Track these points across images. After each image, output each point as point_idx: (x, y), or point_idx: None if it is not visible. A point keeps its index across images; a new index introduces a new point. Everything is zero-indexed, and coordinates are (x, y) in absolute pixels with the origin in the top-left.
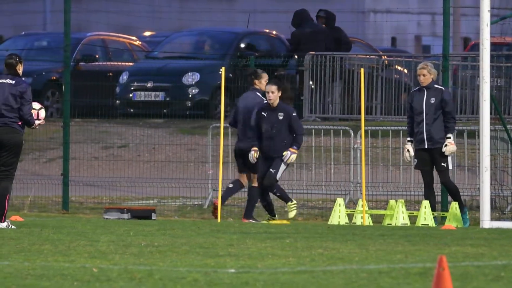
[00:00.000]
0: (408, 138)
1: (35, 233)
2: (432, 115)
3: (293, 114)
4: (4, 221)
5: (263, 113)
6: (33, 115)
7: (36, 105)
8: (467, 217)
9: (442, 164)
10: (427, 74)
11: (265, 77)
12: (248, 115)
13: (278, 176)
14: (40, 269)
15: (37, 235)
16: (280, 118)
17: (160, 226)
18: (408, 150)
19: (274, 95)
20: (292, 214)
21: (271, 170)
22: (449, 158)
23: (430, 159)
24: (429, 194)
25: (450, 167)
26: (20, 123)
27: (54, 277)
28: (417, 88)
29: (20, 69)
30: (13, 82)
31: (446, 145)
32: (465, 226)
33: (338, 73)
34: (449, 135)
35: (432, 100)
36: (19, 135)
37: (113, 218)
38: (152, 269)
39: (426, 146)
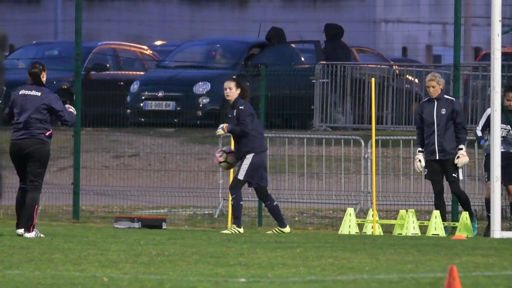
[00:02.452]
0: (419, 149)
1: (45, 242)
2: (444, 126)
3: (240, 107)
4: (33, 231)
5: (229, 115)
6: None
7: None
8: (476, 226)
9: (453, 175)
10: (436, 85)
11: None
12: None
13: (241, 176)
14: (50, 278)
15: (48, 244)
16: (235, 115)
17: (171, 235)
18: (419, 160)
19: (231, 91)
20: (226, 231)
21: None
22: (460, 169)
23: (441, 169)
24: (439, 204)
25: (461, 177)
26: (47, 134)
27: (64, 286)
28: (426, 99)
29: (44, 77)
30: (39, 94)
31: (458, 157)
32: (474, 234)
33: (349, 83)
34: (461, 146)
35: (443, 111)
36: (46, 146)
37: (124, 227)
38: (162, 278)
39: (437, 157)
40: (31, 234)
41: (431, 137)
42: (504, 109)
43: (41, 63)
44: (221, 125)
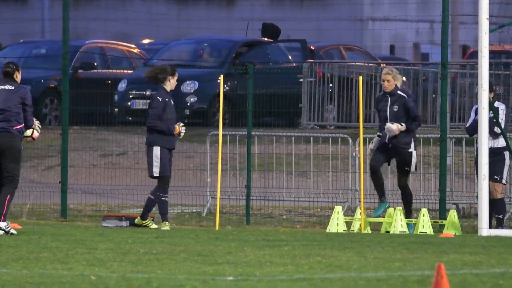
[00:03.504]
0: (377, 133)
1: (33, 241)
2: (396, 123)
3: (157, 97)
4: (4, 221)
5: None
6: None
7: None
8: (413, 226)
9: (406, 168)
10: (391, 80)
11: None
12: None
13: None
14: (38, 277)
15: (36, 242)
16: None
17: (159, 234)
18: (372, 142)
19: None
20: (154, 226)
21: None
22: (413, 163)
23: (388, 156)
24: (374, 178)
25: (413, 169)
26: (18, 127)
27: (52, 285)
28: (381, 93)
29: (17, 77)
30: (13, 88)
31: (393, 123)
32: (410, 232)
33: (336, 81)
34: (405, 125)
35: (395, 108)
36: (18, 140)
37: (112, 226)
38: (150, 277)
39: (390, 146)
40: (2, 224)
41: (384, 132)
42: (492, 107)
43: (16, 63)
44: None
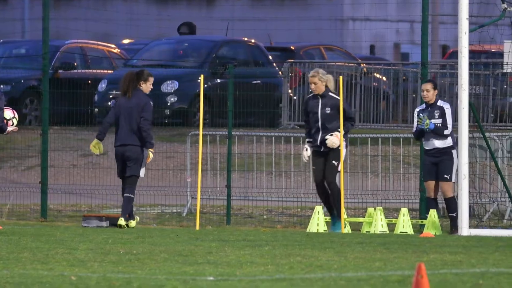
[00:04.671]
0: (307, 139)
1: (13, 241)
2: (328, 124)
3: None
4: None
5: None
6: (5, 122)
7: (7, 114)
8: (340, 225)
9: (333, 161)
10: (318, 82)
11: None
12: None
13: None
14: (18, 277)
15: (16, 243)
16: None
17: (139, 234)
18: (306, 149)
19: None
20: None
21: None
22: (341, 161)
23: (324, 159)
24: (320, 192)
25: (339, 169)
26: None
27: (32, 285)
28: (311, 95)
29: None
30: None
31: (331, 135)
32: (336, 231)
33: None
34: (340, 130)
35: (328, 110)
36: None
37: (92, 226)
38: (130, 277)
39: (322, 150)
40: None
41: (315, 134)
42: (472, 106)
43: None
44: None
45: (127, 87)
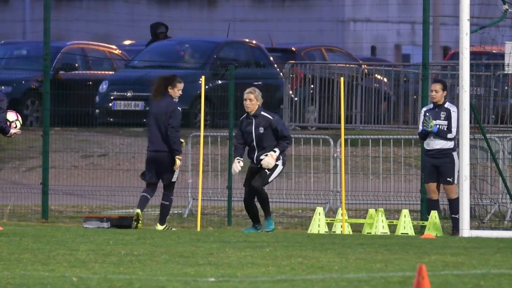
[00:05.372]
0: (237, 157)
1: (14, 242)
2: (262, 144)
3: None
4: None
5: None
6: (8, 124)
7: (11, 116)
8: (272, 223)
9: (266, 170)
10: (254, 99)
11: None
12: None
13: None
14: (19, 278)
15: (17, 244)
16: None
17: (140, 235)
18: (239, 162)
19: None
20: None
21: None
22: (275, 173)
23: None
24: (249, 205)
25: (271, 179)
26: None
27: (33, 286)
28: (245, 115)
29: None
30: None
31: (266, 155)
32: (269, 228)
33: (317, 82)
34: (276, 149)
35: (261, 130)
36: None
37: (93, 227)
38: (131, 278)
39: (259, 167)
40: None
41: (251, 153)
42: (473, 107)
43: None
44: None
45: (156, 92)
